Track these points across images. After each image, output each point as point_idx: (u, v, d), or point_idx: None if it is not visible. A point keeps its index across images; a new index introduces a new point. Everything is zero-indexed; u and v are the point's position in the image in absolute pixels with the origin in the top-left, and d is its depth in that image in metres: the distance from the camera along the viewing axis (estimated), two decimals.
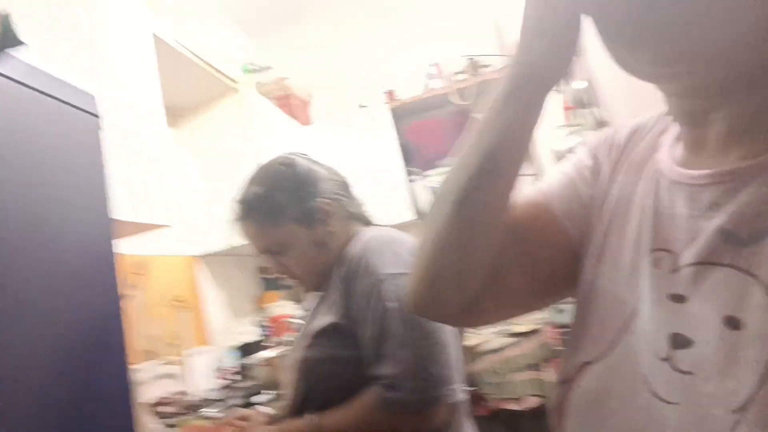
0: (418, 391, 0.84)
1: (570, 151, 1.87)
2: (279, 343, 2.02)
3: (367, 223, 1.10)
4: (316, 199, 1.02)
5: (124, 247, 1.90)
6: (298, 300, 2.95)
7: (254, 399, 1.62)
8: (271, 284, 2.91)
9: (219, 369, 2.13)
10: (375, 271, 0.92)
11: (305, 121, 3.23)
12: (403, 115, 3.32)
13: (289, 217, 1.01)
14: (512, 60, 0.45)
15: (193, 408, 1.62)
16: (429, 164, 3.19)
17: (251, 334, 2.39)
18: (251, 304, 2.76)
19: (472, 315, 0.53)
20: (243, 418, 1.05)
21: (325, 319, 0.96)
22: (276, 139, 2.60)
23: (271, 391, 1.68)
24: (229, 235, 2.26)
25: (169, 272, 2.15)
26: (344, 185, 1.10)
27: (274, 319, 2.54)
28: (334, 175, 1.11)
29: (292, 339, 1.63)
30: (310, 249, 1.02)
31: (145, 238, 2.05)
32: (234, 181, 1.17)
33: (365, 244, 0.97)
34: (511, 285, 0.52)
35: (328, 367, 0.93)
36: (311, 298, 1.18)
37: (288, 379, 1.07)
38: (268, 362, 1.59)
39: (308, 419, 0.92)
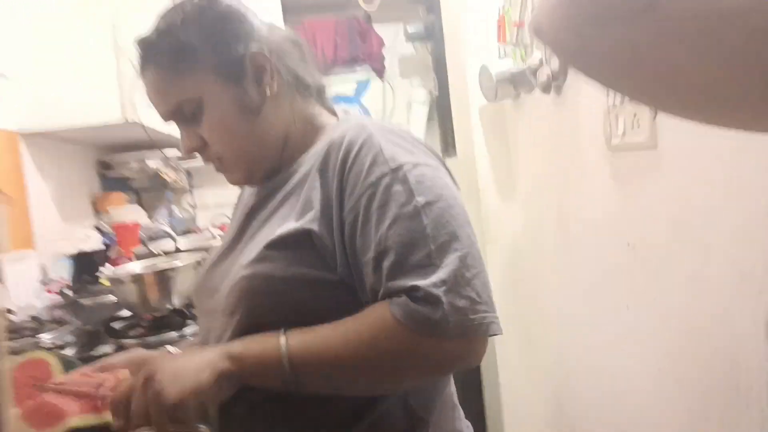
0: (464, 311, 0.62)
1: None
2: (141, 256, 1.64)
3: (334, 115, 0.84)
4: (248, 48, 0.74)
5: None
6: (148, 208, 2.49)
7: (114, 324, 1.27)
8: (112, 183, 2.40)
9: (46, 280, 1.68)
10: (384, 158, 0.68)
11: None
12: (295, 9, 2.91)
13: (203, 63, 0.72)
14: None
15: (18, 331, 1.22)
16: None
17: (90, 242, 1.93)
18: (88, 206, 2.24)
19: None
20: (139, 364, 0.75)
21: (286, 226, 0.70)
22: None
23: (131, 314, 1.34)
24: (68, 110, 1.74)
25: None
26: (302, 51, 0.81)
27: (122, 227, 2.09)
28: (291, 36, 0.81)
29: (173, 253, 1.30)
30: (237, 117, 0.73)
31: None
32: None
33: (355, 129, 0.71)
34: None
35: (290, 289, 0.68)
36: (240, 204, 0.89)
37: (206, 311, 0.79)
38: (137, 278, 1.25)
39: (271, 340, 0.67)
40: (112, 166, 2.32)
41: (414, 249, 0.64)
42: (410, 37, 2.81)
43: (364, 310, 0.67)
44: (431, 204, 0.66)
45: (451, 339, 0.63)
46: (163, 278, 1.26)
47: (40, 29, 1.73)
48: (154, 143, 2.36)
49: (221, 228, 2.31)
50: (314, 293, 0.69)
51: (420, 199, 0.66)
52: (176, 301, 1.27)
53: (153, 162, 2.33)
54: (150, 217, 2.49)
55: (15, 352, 1.12)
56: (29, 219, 1.77)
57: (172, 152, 2.43)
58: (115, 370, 0.78)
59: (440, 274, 0.63)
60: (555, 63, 1.45)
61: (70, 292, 1.64)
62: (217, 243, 1.85)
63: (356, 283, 0.69)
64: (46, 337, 1.18)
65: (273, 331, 0.67)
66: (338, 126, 0.77)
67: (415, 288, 0.62)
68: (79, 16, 1.78)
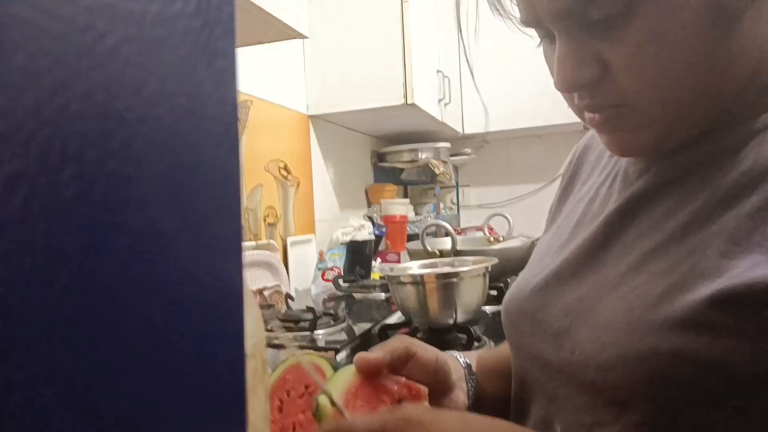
0: None
1: None
2: (413, 254, 1.47)
3: None
4: None
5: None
6: (415, 203, 2.39)
7: (389, 319, 1.11)
8: (383, 175, 2.35)
9: (323, 267, 1.64)
10: None
11: None
12: None
13: None
14: None
15: (295, 320, 1.12)
16: None
17: (363, 232, 1.86)
18: (362, 195, 2.22)
19: None
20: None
21: (759, 269, 0.33)
22: None
23: (404, 319, 1.15)
24: (353, 93, 1.68)
25: (278, 130, 1.61)
26: None
27: (391, 220, 1.99)
28: None
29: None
30: (701, 26, 0.38)
31: (259, 65, 1.50)
32: None
33: None
34: None
35: (754, 392, 0.33)
36: (588, 180, 0.56)
37: (537, 357, 0.49)
38: (416, 280, 1.04)
39: None
40: (386, 157, 2.27)
41: None
42: None
43: None
44: None
45: None
46: (446, 285, 1.03)
47: (331, 16, 1.71)
48: (427, 133, 2.25)
49: (490, 231, 2.06)
50: None
51: None
52: (460, 316, 1.03)
53: (424, 153, 2.21)
54: (416, 212, 2.39)
55: (288, 345, 1.02)
56: (313, 203, 1.77)
57: (443, 145, 2.28)
58: (407, 376, 0.52)
59: None
60: None
61: (343, 282, 1.56)
62: (511, 246, 1.59)
63: None
64: (319, 334, 1.06)
65: None
66: None
67: None
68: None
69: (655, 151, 0.45)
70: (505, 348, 0.61)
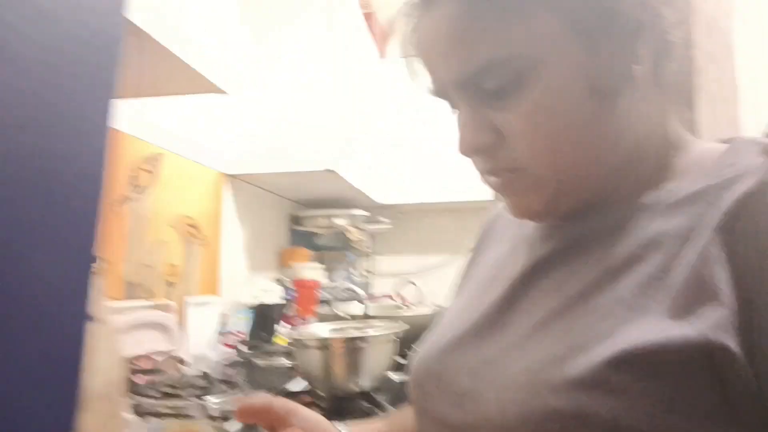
0: None
1: None
2: (323, 318, 1.43)
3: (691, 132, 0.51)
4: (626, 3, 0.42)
5: (141, 125, 1.33)
6: (328, 268, 2.36)
7: (291, 386, 1.04)
8: (298, 238, 2.32)
9: (224, 331, 1.54)
10: None
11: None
12: None
13: (550, 4, 0.41)
14: None
15: (185, 387, 1.03)
16: None
17: (271, 295, 1.80)
18: (274, 258, 2.16)
19: None
20: None
21: (653, 326, 0.35)
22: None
23: (306, 387, 1.09)
24: (275, 156, 1.67)
25: (189, 184, 1.56)
26: (682, 18, 0.49)
27: (302, 284, 1.94)
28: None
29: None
30: (580, 99, 0.42)
31: (175, 117, 1.45)
32: None
33: None
34: None
35: None
36: (499, 245, 0.57)
37: (441, 420, 0.47)
38: (323, 344, 1.00)
39: None
40: (302, 221, 2.25)
41: None
42: None
43: None
44: None
45: None
46: (353, 348, 1.00)
47: (259, 78, 1.72)
48: (344, 199, 2.26)
49: (401, 298, 2.06)
50: None
51: None
52: (365, 382, 0.99)
53: (341, 219, 2.21)
54: (329, 277, 2.35)
55: (179, 414, 0.92)
56: (218, 263, 1.69)
57: (360, 212, 2.30)
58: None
59: None
60: None
61: (245, 348, 1.47)
62: (421, 313, 1.59)
63: None
64: (212, 401, 0.97)
65: None
66: (731, 153, 0.43)
67: None
68: (296, 67, 1.75)
69: (548, 216, 0.47)
70: (406, 417, 0.59)
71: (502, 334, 0.45)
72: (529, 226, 0.53)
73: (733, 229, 0.36)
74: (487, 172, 0.46)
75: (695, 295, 0.35)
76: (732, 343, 0.33)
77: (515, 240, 0.55)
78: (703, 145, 0.47)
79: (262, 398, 0.51)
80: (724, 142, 0.46)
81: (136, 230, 1.30)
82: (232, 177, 1.76)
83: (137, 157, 1.31)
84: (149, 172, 1.34)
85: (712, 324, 0.34)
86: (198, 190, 1.60)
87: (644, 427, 0.33)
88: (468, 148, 0.45)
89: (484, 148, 0.44)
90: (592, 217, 0.45)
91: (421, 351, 0.54)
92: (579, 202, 0.46)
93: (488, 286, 0.53)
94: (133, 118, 1.29)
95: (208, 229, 1.63)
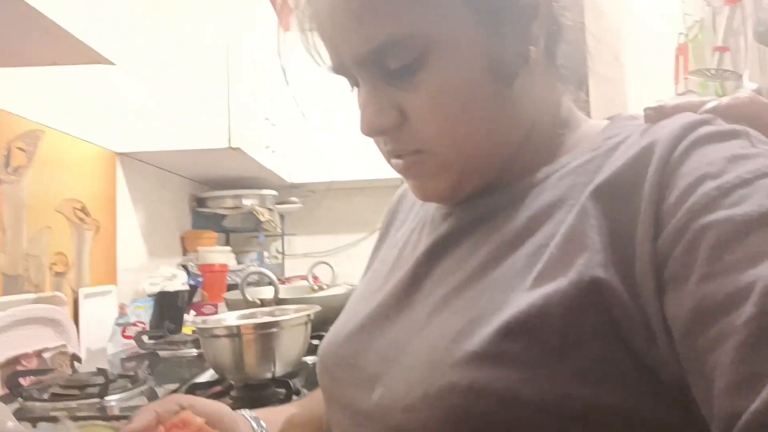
0: None
1: None
2: (232, 304, 1.37)
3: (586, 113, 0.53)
4: None
5: (15, 99, 1.16)
6: (237, 252, 2.28)
7: (199, 377, 0.98)
8: (203, 221, 2.21)
9: (123, 322, 1.44)
10: (747, 201, 0.33)
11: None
12: None
13: None
14: None
15: (80, 386, 0.95)
16: None
17: (175, 282, 1.70)
18: (176, 242, 2.05)
19: None
20: None
21: (541, 287, 0.36)
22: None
23: (216, 377, 1.05)
24: (172, 133, 1.57)
25: (75, 164, 1.42)
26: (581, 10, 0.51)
27: (210, 269, 1.86)
28: None
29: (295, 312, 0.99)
30: (480, 81, 0.42)
31: (56, 90, 1.30)
32: None
33: (679, 130, 0.39)
34: None
35: (544, 420, 0.34)
36: (403, 227, 0.57)
37: (348, 404, 0.46)
38: (232, 332, 0.96)
39: None
40: (206, 202, 2.14)
41: None
42: None
43: None
44: None
45: None
46: (264, 336, 0.96)
47: (154, 50, 1.59)
48: (252, 179, 2.18)
49: (314, 280, 2.03)
50: None
51: None
52: (279, 369, 0.97)
53: (249, 200, 2.13)
54: (238, 261, 2.27)
55: (74, 417, 0.85)
56: (115, 250, 1.57)
57: (269, 192, 2.23)
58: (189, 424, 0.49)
59: None
60: None
61: (147, 339, 1.38)
62: (334, 293, 1.56)
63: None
64: (112, 400, 0.90)
65: None
66: (612, 127, 0.45)
67: None
68: (193, 38, 1.64)
69: (453, 197, 0.47)
70: (319, 400, 0.57)
71: (408, 314, 0.45)
72: (431, 206, 0.53)
73: (609, 189, 0.38)
74: (390, 154, 0.46)
75: (571, 250, 0.37)
76: (603, 274, 0.34)
77: (419, 219, 0.55)
78: (590, 122, 0.49)
79: (144, 414, 0.48)
80: (608, 119, 0.48)
81: (14, 217, 1.17)
82: (125, 156, 1.63)
83: (11, 135, 1.16)
84: (25, 150, 1.20)
85: (584, 268, 0.35)
86: (86, 170, 1.46)
87: (537, 395, 0.34)
88: (370, 129, 0.44)
89: (388, 129, 0.43)
90: (490, 195, 0.46)
91: (329, 336, 0.53)
92: (482, 183, 0.46)
93: (393, 266, 0.52)
94: (6, 91, 1.14)
95: (101, 214, 1.50)
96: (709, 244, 0.32)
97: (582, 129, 0.48)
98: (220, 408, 0.52)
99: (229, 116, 1.63)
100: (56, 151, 1.31)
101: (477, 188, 0.46)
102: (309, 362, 1.17)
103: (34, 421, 0.81)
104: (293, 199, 2.47)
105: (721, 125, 0.38)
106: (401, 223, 0.60)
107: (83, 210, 1.41)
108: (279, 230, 2.49)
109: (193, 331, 1.43)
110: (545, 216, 0.41)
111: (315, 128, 2.37)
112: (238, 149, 1.62)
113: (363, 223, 2.63)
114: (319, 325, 1.19)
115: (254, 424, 0.54)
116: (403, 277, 0.48)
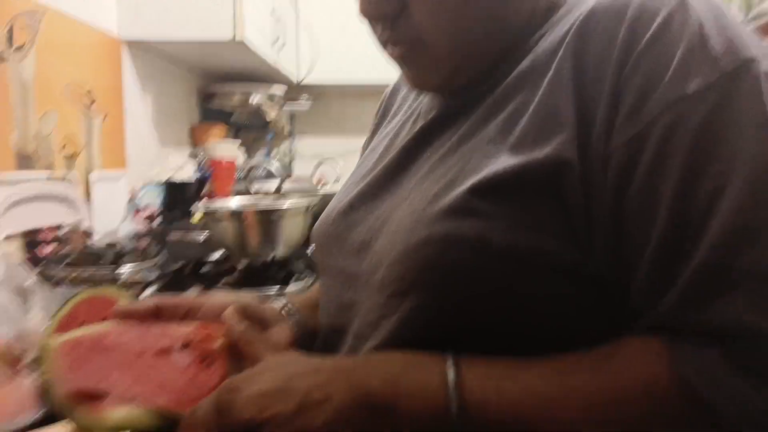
0: None
1: None
2: (242, 192, 1.41)
3: None
4: None
5: None
6: (246, 148, 2.29)
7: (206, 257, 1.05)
8: (212, 115, 2.21)
9: (135, 207, 1.49)
10: (711, 49, 0.35)
11: None
12: None
13: None
14: None
15: (94, 258, 1.01)
16: None
17: (184, 172, 1.74)
18: (185, 134, 2.06)
19: None
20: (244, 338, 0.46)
21: (509, 156, 0.39)
22: None
23: (223, 257, 1.11)
24: (177, 22, 1.53)
25: (80, 49, 1.40)
26: None
27: (218, 163, 1.89)
28: None
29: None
30: None
31: None
32: None
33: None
34: None
35: (508, 271, 0.38)
36: (394, 119, 0.58)
37: (341, 272, 0.50)
38: (236, 216, 1.00)
39: (436, 366, 0.39)
40: (214, 97, 2.13)
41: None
42: None
43: (608, 348, 0.38)
44: None
45: None
46: (265, 220, 1.01)
47: None
48: (260, 76, 2.15)
49: (320, 180, 2.06)
50: (544, 283, 0.38)
51: None
52: (280, 250, 1.02)
53: (257, 97, 2.11)
54: (246, 156, 2.29)
55: (86, 280, 0.91)
56: (124, 137, 1.59)
57: (278, 90, 2.21)
58: (205, 320, 0.49)
59: None
60: None
61: (158, 222, 1.44)
62: (336, 190, 1.58)
63: (611, 276, 0.39)
64: (125, 270, 0.97)
65: (434, 354, 0.39)
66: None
67: (756, 331, 0.33)
68: None
69: (446, 88, 0.48)
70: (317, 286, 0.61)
71: (394, 191, 0.49)
72: (424, 98, 0.54)
73: (577, 53, 0.40)
74: (387, 42, 0.47)
75: (545, 124, 0.39)
76: (574, 158, 0.37)
77: (414, 109, 0.57)
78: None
79: (149, 301, 0.49)
80: None
81: (21, 96, 1.18)
82: (131, 43, 1.60)
83: (12, 12, 1.15)
84: (27, 29, 1.18)
85: (557, 146, 0.38)
86: (92, 56, 1.45)
87: (503, 243, 0.37)
88: (370, 13, 0.44)
89: (387, 14, 0.44)
90: (483, 84, 0.47)
91: (322, 216, 0.57)
92: (475, 74, 0.47)
93: (384, 153, 0.55)
94: None
95: (108, 101, 1.50)
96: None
97: (567, 5, 0.47)
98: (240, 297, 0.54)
99: (234, 7, 1.57)
100: (60, 34, 1.29)
101: (471, 79, 0.47)
102: (308, 250, 1.23)
103: (53, 284, 0.88)
104: (302, 99, 2.44)
105: None
106: (394, 113, 0.62)
107: (90, 95, 1.41)
108: (287, 130, 2.49)
109: (202, 215, 1.49)
110: (520, 86, 0.43)
111: (328, 28, 2.30)
112: (241, 43, 1.58)
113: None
114: (319, 216, 1.24)
115: (276, 302, 0.57)
116: (392, 160, 0.51)
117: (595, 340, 0.38)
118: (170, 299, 0.50)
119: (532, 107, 0.40)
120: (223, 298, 0.51)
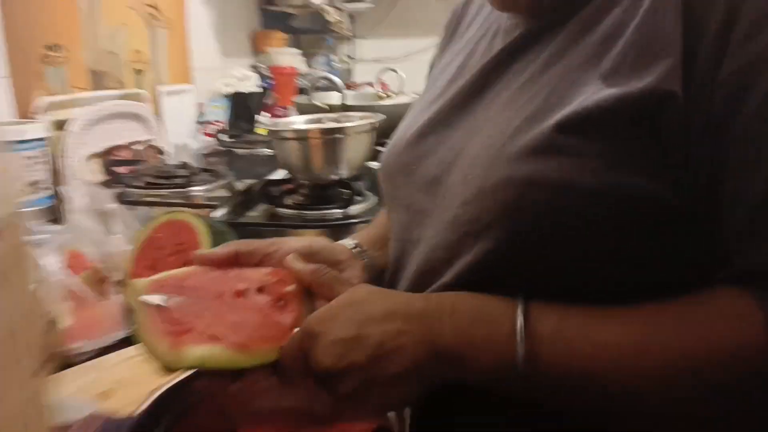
0: None
1: None
2: (301, 108, 1.40)
3: None
4: None
5: None
6: (306, 53, 2.24)
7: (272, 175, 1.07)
8: (272, 20, 2.15)
9: (203, 120, 1.52)
10: None
11: None
12: None
13: None
14: None
15: (168, 177, 1.05)
16: None
17: (248, 83, 1.73)
18: (246, 42, 2.03)
19: None
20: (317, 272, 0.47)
21: (604, 87, 0.36)
22: None
23: (287, 176, 1.12)
24: None
25: None
26: None
27: (280, 71, 1.86)
28: None
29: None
30: None
31: None
32: None
33: None
34: None
35: (602, 216, 0.36)
36: (466, 42, 0.54)
37: (410, 205, 0.49)
38: (300, 135, 1.00)
39: (505, 313, 0.38)
40: (274, 0, 2.05)
41: None
42: None
43: (694, 298, 0.35)
44: None
45: None
46: (330, 140, 1.00)
47: None
48: None
49: (382, 87, 2.00)
50: (630, 226, 0.36)
51: None
52: (344, 171, 1.02)
53: None
54: (307, 63, 2.25)
55: (164, 203, 0.96)
56: (188, 51, 1.59)
57: None
58: (281, 266, 0.49)
59: None
60: None
61: (226, 137, 1.47)
62: (400, 102, 1.54)
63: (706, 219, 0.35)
64: (197, 191, 1.01)
65: (505, 299, 0.38)
66: None
67: None
68: None
69: (534, 8, 0.44)
70: (385, 218, 0.60)
71: (469, 120, 0.46)
72: (501, 14, 0.49)
73: None
74: None
75: (646, 48, 0.35)
76: (678, 90, 0.33)
77: (487, 27, 0.51)
78: None
79: (228, 247, 0.49)
80: None
81: (90, 12, 1.18)
82: None
83: None
84: None
85: (660, 75, 0.34)
86: None
87: (591, 184, 0.35)
88: None
89: None
90: (567, 6, 0.42)
91: (390, 145, 0.54)
92: None
93: (457, 74, 0.51)
94: None
95: (170, 12, 1.48)
96: None
97: None
98: (309, 240, 0.55)
99: None
100: None
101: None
102: (373, 167, 1.22)
103: (130, 205, 0.93)
104: None
105: None
106: (465, 30, 0.57)
107: (155, 6, 1.40)
108: (348, 32, 2.40)
109: (266, 132, 1.51)
110: (611, 4, 0.38)
111: None
112: None
113: (437, 27, 2.45)
114: (384, 132, 1.21)
115: (346, 243, 0.57)
116: (466, 85, 0.47)
117: (676, 290, 0.36)
118: (247, 244, 0.50)
119: (631, 27, 0.36)
120: (296, 243, 0.51)
